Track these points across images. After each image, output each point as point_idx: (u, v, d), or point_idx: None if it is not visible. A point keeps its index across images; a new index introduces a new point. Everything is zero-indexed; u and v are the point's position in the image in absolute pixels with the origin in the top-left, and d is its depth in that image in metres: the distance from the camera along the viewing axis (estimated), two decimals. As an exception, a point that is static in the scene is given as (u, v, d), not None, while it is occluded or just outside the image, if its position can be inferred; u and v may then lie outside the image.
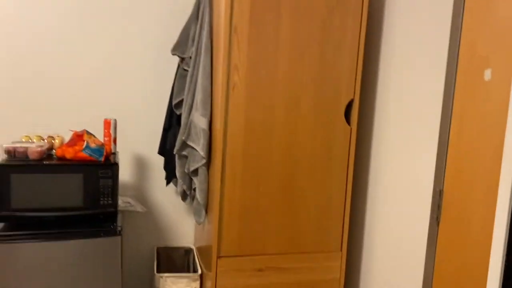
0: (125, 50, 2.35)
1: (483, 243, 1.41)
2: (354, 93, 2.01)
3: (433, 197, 1.66)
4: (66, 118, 2.30)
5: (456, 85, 1.54)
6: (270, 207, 2.00)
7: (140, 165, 2.46)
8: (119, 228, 1.91)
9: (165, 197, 2.53)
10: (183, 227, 2.58)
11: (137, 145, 2.44)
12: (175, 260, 2.54)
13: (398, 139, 1.94)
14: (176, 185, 2.46)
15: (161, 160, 2.45)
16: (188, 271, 2.49)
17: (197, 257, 2.39)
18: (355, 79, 2.01)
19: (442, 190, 1.61)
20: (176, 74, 2.28)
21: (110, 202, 1.97)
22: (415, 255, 1.80)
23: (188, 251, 2.56)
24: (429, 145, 1.70)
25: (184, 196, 2.30)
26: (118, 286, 1.90)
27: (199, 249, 2.40)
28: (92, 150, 1.94)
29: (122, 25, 2.32)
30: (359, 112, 2.15)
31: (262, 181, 1.97)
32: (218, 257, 1.97)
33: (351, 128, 2.04)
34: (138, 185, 2.47)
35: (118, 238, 1.89)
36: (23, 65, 2.22)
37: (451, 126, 1.57)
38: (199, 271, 2.22)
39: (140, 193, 2.48)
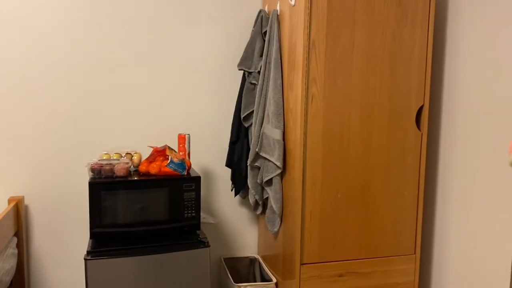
0: (190, 66, 2.42)
1: None
2: (424, 99, 2.09)
3: (520, 196, 1.72)
4: (137, 135, 2.36)
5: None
6: (348, 213, 2.06)
7: (205, 177, 2.52)
8: (206, 240, 1.97)
9: (229, 209, 2.59)
10: (246, 237, 2.63)
11: (202, 159, 2.50)
12: (240, 269, 2.59)
13: (469, 141, 2.01)
14: (242, 196, 2.53)
15: (225, 172, 2.52)
16: (254, 280, 2.54)
17: (265, 266, 2.44)
18: (424, 85, 2.08)
19: (530, 189, 1.67)
20: (241, 88, 2.35)
21: (193, 214, 2.03)
22: (498, 254, 1.86)
23: (252, 260, 2.61)
24: (506, 144, 1.77)
25: (256, 206, 2.36)
26: (208, 296, 1.96)
27: (267, 257, 2.45)
28: (176, 164, 2.01)
29: (189, 41, 2.40)
30: (429, 117, 2.22)
31: (340, 188, 2.04)
32: (301, 264, 2.02)
33: (421, 133, 2.11)
34: (204, 197, 2.53)
35: (207, 249, 1.95)
36: (94, 83, 2.29)
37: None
38: (274, 280, 2.27)
39: (206, 205, 2.54)
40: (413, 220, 2.15)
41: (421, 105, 2.10)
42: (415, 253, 2.18)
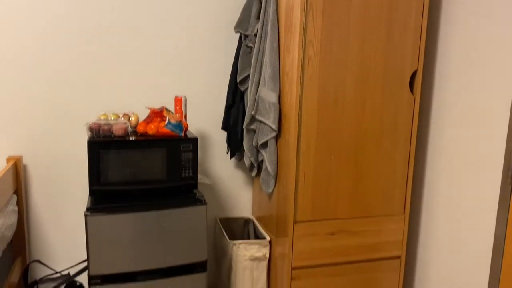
0: (187, 29, 2.41)
1: None
2: (418, 64, 2.12)
3: (506, 156, 1.79)
4: (134, 97, 2.38)
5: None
6: (340, 175, 2.12)
7: (201, 140, 2.56)
8: (203, 198, 2.03)
9: (225, 171, 2.64)
10: (241, 199, 2.70)
11: (198, 121, 2.53)
12: (234, 229, 2.67)
13: (461, 104, 2.06)
14: (237, 159, 2.58)
15: (221, 135, 2.56)
16: (249, 239, 2.62)
17: (259, 226, 2.52)
18: (419, 50, 2.11)
19: (517, 151, 1.74)
20: (237, 52, 2.36)
21: (190, 174, 2.07)
22: (483, 217, 1.95)
23: (247, 221, 2.69)
24: (500, 109, 1.83)
25: (251, 168, 2.41)
26: (204, 252, 2.03)
27: (261, 218, 2.53)
28: (174, 125, 2.04)
29: (186, 4, 2.38)
30: (422, 82, 2.26)
31: (333, 150, 2.09)
32: (295, 222, 2.10)
33: (414, 98, 2.15)
34: (200, 159, 2.57)
35: (204, 207, 2.01)
36: (91, 45, 2.28)
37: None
38: (268, 238, 2.35)
39: (202, 167, 2.59)
40: (403, 182, 2.23)
41: (415, 69, 2.13)
42: (404, 214, 2.26)
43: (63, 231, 2.39)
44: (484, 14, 1.93)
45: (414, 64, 2.12)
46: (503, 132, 1.82)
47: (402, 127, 2.16)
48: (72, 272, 2.35)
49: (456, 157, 2.11)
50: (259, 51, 2.21)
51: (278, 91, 2.14)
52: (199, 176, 2.42)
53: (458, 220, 2.11)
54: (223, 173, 2.65)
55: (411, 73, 2.12)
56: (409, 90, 2.13)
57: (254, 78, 2.23)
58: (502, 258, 1.84)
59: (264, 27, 2.20)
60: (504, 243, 1.82)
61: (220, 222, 2.58)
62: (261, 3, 2.25)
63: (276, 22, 2.15)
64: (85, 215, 1.84)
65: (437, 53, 2.23)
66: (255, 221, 2.62)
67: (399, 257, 2.30)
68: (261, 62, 2.21)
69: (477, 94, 1.97)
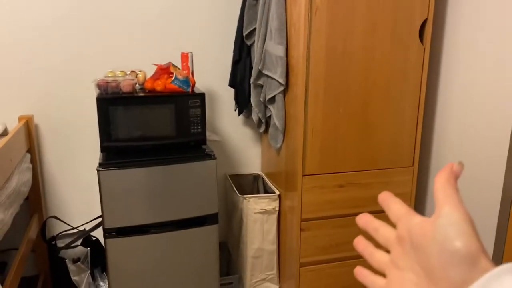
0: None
1: None
2: (428, 12, 2.07)
3: (517, 105, 1.77)
4: (141, 54, 2.37)
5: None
6: (349, 127, 2.12)
7: (209, 97, 2.56)
8: (213, 153, 2.05)
9: (233, 128, 2.65)
10: (250, 155, 2.73)
11: (205, 78, 2.52)
12: (244, 185, 2.71)
13: (472, 55, 2.02)
14: (245, 116, 2.58)
15: (228, 92, 2.56)
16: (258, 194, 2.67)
17: (269, 181, 2.56)
18: (429, -2, 2.05)
19: (528, 98, 1.72)
20: (243, 5, 2.32)
21: (199, 130, 2.09)
22: (492, 168, 1.95)
23: (256, 177, 2.73)
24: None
25: (259, 124, 2.42)
26: (215, 205, 2.07)
27: (270, 174, 2.56)
28: (181, 81, 2.04)
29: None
30: (432, 32, 2.20)
31: (342, 103, 2.08)
32: (303, 175, 2.12)
33: (424, 48, 2.11)
34: (208, 117, 2.58)
35: (213, 161, 2.03)
36: (99, 4, 2.25)
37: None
38: (277, 192, 2.38)
39: (210, 125, 2.60)
40: (413, 134, 2.22)
41: (425, 18, 2.08)
42: (413, 166, 2.27)
43: (78, 188, 2.45)
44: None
45: (424, 13, 2.07)
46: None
47: (411, 77, 2.13)
48: (88, 227, 2.42)
49: (466, 108, 2.09)
50: (265, 3, 2.17)
51: (285, 44, 2.11)
52: (208, 133, 2.43)
53: (467, 172, 2.12)
54: (231, 130, 2.66)
55: (421, 22, 2.07)
56: (418, 39, 2.09)
57: (260, 31, 2.20)
58: (510, 210, 1.85)
59: (270, -22, 2.14)
60: (512, 191, 1.83)
61: (230, 178, 2.62)
62: (266, -47, 2.19)
63: (282, -28, 2.09)
64: (98, 171, 1.88)
65: (448, 1, 2.16)
66: (264, 177, 2.65)
67: (407, 208, 2.32)
68: (267, 15, 2.17)
69: (488, 42, 1.92)
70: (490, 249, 1.99)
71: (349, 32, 1.99)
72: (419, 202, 2.49)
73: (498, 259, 1.93)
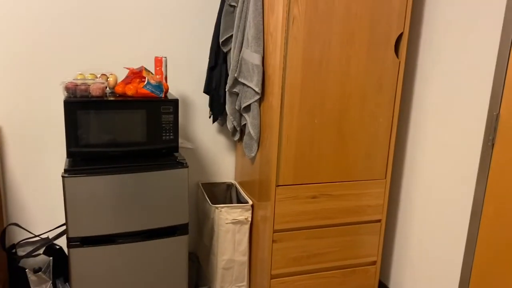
0: (166, -14, 2.32)
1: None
2: (404, 26, 2.09)
3: (488, 120, 1.79)
4: (112, 57, 2.30)
5: (519, 14, 1.64)
6: (323, 138, 2.11)
7: (182, 104, 2.51)
8: (184, 161, 1.99)
9: (207, 136, 2.60)
10: (223, 163, 2.68)
11: (179, 84, 2.47)
12: (217, 194, 2.66)
13: (446, 67, 2.05)
14: (220, 123, 2.54)
15: (203, 99, 2.51)
16: (231, 204, 2.62)
17: (242, 191, 2.51)
18: (405, 12, 2.07)
19: (499, 113, 1.74)
20: (220, 11, 2.28)
21: (172, 137, 2.03)
22: (463, 181, 1.97)
23: (229, 185, 2.68)
24: (484, 72, 1.82)
25: (234, 132, 2.38)
26: (186, 215, 2.01)
27: (243, 183, 2.52)
28: (153, 86, 1.98)
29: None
30: (407, 45, 2.22)
31: (317, 113, 2.06)
32: (277, 186, 2.09)
33: (399, 61, 2.13)
34: (182, 124, 2.52)
35: (185, 170, 1.97)
36: (71, 6, 2.17)
37: (511, 54, 1.67)
38: (250, 202, 2.34)
39: (184, 132, 2.55)
40: (386, 146, 2.23)
41: (400, 32, 2.09)
42: (385, 178, 2.27)
43: (41, 194, 2.34)
44: (472, -25, 1.89)
45: (400, 27, 2.08)
46: (486, 95, 1.81)
47: (386, 90, 2.14)
48: (51, 235, 2.32)
49: (439, 121, 2.11)
50: (242, 10, 2.14)
51: (262, 52, 2.09)
52: (180, 140, 2.38)
53: (438, 184, 2.13)
54: (205, 137, 2.61)
55: (397, 35, 2.09)
56: (394, 53, 2.10)
57: (237, 39, 2.17)
58: (480, 220, 1.87)
59: (247, -15, 2.12)
60: (483, 205, 1.84)
61: (202, 186, 2.56)
62: (245, -41, 2.16)
63: (260, -20, 2.07)
64: (63, 177, 1.80)
65: (423, 16, 2.18)
66: (238, 186, 2.61)
67: (379, 220, 2.32)
68: (245, 22, 2.14)
69: (462, 57, 1.95)
70: (458, 267, 2.00)
71: (326, 43, 1.99)
72: (391, 214, 2.49)
73: (466, 273, 1.95)
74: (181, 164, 1.98)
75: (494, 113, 1.75)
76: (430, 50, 2.15)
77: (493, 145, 1.78)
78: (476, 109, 1.88)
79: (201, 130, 2.59)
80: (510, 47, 1.68)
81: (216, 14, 2.35)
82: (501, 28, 1.73)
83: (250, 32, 2.08)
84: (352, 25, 2.00)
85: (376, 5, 2.01)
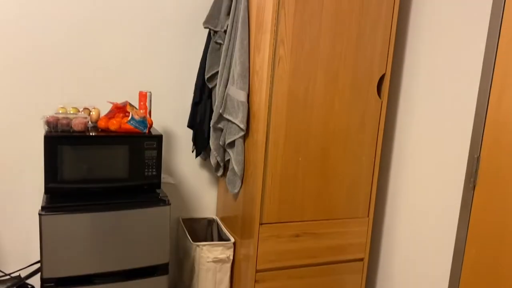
0: (154, 22, 2.33)
1: (522, 202, 1.60)
2: (386, 68, 2.14)
3: (469, 162, 1.83)
4: (96, 91, 2.27)
5: (497, 59, 1.70)
6: (307, 176, 2.10)
7: (166, 138, 2.48)
8: (167, 198, 1.95)
9: (190, 170, 2.57)
10: (205, 199, 2.64)
11: (163, 118, 2.45)
12: (198, 230, 2.60)
13: (427, 109, 2.09)
14: (203, 158, 2.52)
15: (186, 133, 2.49)
16: (212, 240, 2.57)
17: (223, 227, 2.47)
18: (387, 54, 2.13)
19: (479, 156, 1.78)
20: (206, 48, 2.30)
21: (154, 173, 1.99)
22: (445, 222, 1.99)
23: (210, 221, 2.63)
24: (465, 115, 1.87)
25: (217, 168, 2.35)
26: (166, 254, 1.96)
27: (225, 219, 2.48)
28: (137, 122, 1.95)
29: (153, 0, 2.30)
30: (389, 86, 2.27)
31: (301, 151, 2.07)
32: (260, 224, 2.06)
33: (382, 101, 2.17)
34: (165, 158, 2.49)
35: (167, 207, 1.93)
36: (54, 39, 2.15)
37: (490, 97, 1.73)
38: (232, 239, 2.30)
39: (166, 166, 2.51)
40: (368, 184, 2.24)
41: (383, 73, 2.14)
42: (368, 216, 2.27)
43: (15, 231, 2.24)
44: (449, 21, 1.96)
45: (382, 68, 2.14)
46: (467, 137, 1.86)
47: (369, 129, 2.17)
48: (23, 274, 2.21)
49: (421, 162, 2.14)
50: (228, 48, 2.16)
51: (247, 89, 2.10)
52: (163, 175, 2.34)
53: (420, 224, 2.15)
54: (188, 172, 2.58)
55: (379, 76, 2.14)
56: (376, 93, 2.15)
57: (222, 75, 2.18)
58: (463, 261, 1.87)
59: (234, 24, 2.15)
60: (465, 247, 1.86)
61: (183, 222, 2.51)
62: (231, -1, 2.20)
63: (247, 19, 2.11)
64: (40, 214, 1.73)
65: (405, 58, 2.25)
66: (219, 221, 2.56)
67: (362, 259, 2.31)
68: (231, 60, 2.16)
69: (442, 100, 2.00)
70: (443, 304, 2.00)
71: (310, 82, 2.01)
72: (374, 253, 2.48)
73: (450, 315, 1.94)
74: (163, 202, 1.93)
75: (475, 156, 1.79)
76: (411, 91, 2.21)
77: (474, 187, 1.81)
78: (457, 151, 1.92)
79: (183, 164, 2.55)
80: (489, 92, 1.73)
81: (201, 50, 2.37)
82: (480, 73, 1.79)
83: (236, 69, 2.10)
84: (336, 65, 2.04)
85: (359, 46, 2.06)
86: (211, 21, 2.26)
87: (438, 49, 2.03)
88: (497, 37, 1.70)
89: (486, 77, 1.75)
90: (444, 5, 2.00)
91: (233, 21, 2.15)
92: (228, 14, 2.20)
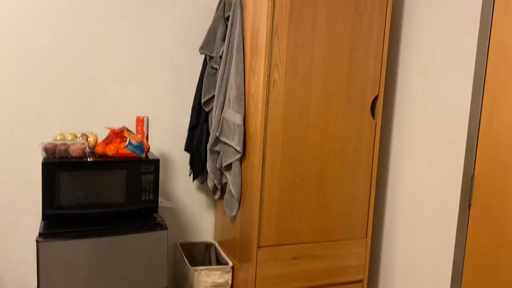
0: (150, 49, 2.37)
1: (518, 220, 1.61)
2: (379, 89, 2.18)
3: (464, 182, 1.84)
4: (93, 117, 2.29)
5: (486, 81, 1.74)
6: (304, 198, 2.11)
7: (163, 161, 2.49)
8: (164, 223, 1.95)
9: (187, 194, 2.57)
10: (203, 222, 2.63)
11: (160, 142, 2.47)
12: (196, 254, 2.59)
13: (420, 129, 2.12)
14: (200, 181, 2.52)
15: (183, 156, 2.51)
16: (210, 265, 2.55)
17: (221, 251, 2.46)
18: (380, 76, 2.17)
19: (473, 175, 1.80)
20: (202, 72, 2.34)
21: (151, 198, 2.00)
22: (442, 242, 1.99)
23: (208, 245, 2.62)
24: (458, 134, 1.89)
25: (214, 191, 2.36)
26: (164, 279, 1.94)
27: (223, 242, 2.47)
28: (134, 146, 1.97)
29: (149, 24, 2.35)
30: (383, 107, 2.31)
31: (298, 173, 2.08)
32: (258, 247, 2.06)
33: (376, 123, 2.20)
34: (162, 181, 2.50)
35: (165, 232, 1.93)
36: (50, 65, 2.19)
37: (482, 117, 1.76)
38: (230, 263, 2.29)
39: (163, 189, 2.51)
40: (366, 205, 2.25)
41: (376, 95, 2.18)
42: (366, 237, 2.27)
43: (11, 258, 2.22)
44: (440, 43, 2.01)
45: (375, 90, 2.17)
46: (460, 157, 1.88)
47: (364, 150, 2.19)
48: (19, 302, 2.19)
49: (416, 181, 2.16)
50: (224, 72, 2.20)
51: (243, 112, 2.13)
52: (160, 199, 2.34)
53: (418, 244, 2.14)
54: (185, 195, 2.58)
55: (373, 98, 2.17)
56: (370, 114, 2.18)
57: (219, 99, 2.21)
58: (461, 281, 1.87)
59: (229, 49, 2.19)
60: (463, 267, 1.85)
61: (181, 247, 2.50)
62: (227, 26, 2.25)
63: (242, 44, 2.15)
64: (37, 241, 1.72)
65: (397, 79, 2.30)
66: (217, 245, 2.55)
67: (361, 281, 2.30)
68: (226, 84, 2.20)
69: (435, 120, 2.04)
70: (444, 325, 1.98)
71: (305, 105, 2.05)
72: (373, 274, 2.47)
73: (452, 336, 1.92)
74: (160, 226, 1.93)
75: (469, 175, 1.81)
76: (404, 111, 2.24)
77: (469, 205, 1.82)
78: (452, 170, 1.94)
79: (180, 188, 2.56)
80: (480, 112, 1.77)
81: (197, 75, 2.41)
82: (471, 93, 1.83)
83: (232, 93, 2.13)
84: (329, 88, 2.08)
85: (352, 70, 2.11)
86: (207, 47, 2.31)
87: (429, 70, 2.08)
88: (485, 59, 1.74)
89: (476, 98, 1.79)
90: (434, 27, 2.05)
91: (228, 47, 2.19)
92: (224, 40, 2.25)
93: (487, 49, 1.74)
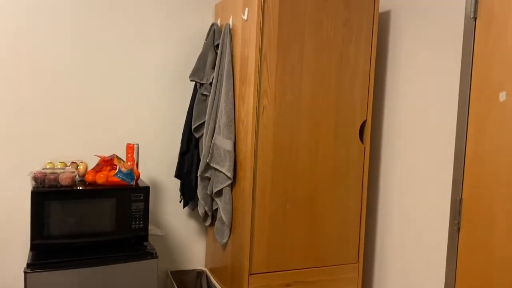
0: (141, 75, 2.39)
1: (506, 246, 1.62)
2: (367, 114, 2.21)
3: (452, 205, 1.86)
4: (83, 145, 2.29)
5: (470, 106, 1.78)
6: (295, 223, 2.11)
7: (153, 188, 2.48)
8: (154, 251, 1.93)
9: (178, 221, 2.56)
10: (194, 250, 2.61)
11: (150, 169, 2.46)
12: (187, 283, 2.55)
13: (409, 153, 2.15)
14: (191, 208, 2.51)
15: (174, 183, 2.50)
16: (202, 293, 2.52)
17: (213, 278, 2.43)
18: (367, 101, 2.21)
19: (461, 198, 1.82)
20: (192, 99, 2.36)
21: (141, 225, 1.99)
22: (433, 265, 1.99)
23: (200, 273, 2.59)
24: (445, 159, 1.92)
25: (205, 218, 2.35)
26: (155, 309, 1.91)
27: (215, 270, 2.44)
28: (124, 174, 1.97)
29: (140, 52, 2.38)
30: (371, 132, 2.34)
31: (288, 198, 2.09)
32: (250, 274, 2.04)
33: (364, 147, 2.23)
34: (152, 209, 2.48)
35: (155, 261, 1.91)
36: (39, 94, 2.19)
37: (467, 142, 1.79)
38: (222, 291, 2.26)
39: (154, 217, 2.49)
40: (357, 230, 2.25)
41: (364, 119, 2.22)
42: (358, 262, 2.27)
43: (-3, 290, 2.18)
44: (424, 67, 2.06)
45: (363, 115, 2.21)
46: (448, 182, 1.90)
47: (353, 174, 2.21)
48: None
49: (407, 205, 2.17)
50: (214, 99, 2.22)
51: (234, 138, 2.14)
52: (150, 227, 2.32)
53: (410, 268, 2.14)
54: (176, 223, 2.56)
55: (361, 123, 2.21)
56: (359, 139, 2.21)
57: (209, 125, 2.23)
58: (454, 304, 1.86)
59: (219, 76, 2.22)
60: (455, 290, 1.85)
61: (172, 275, 2.46)
62: (216, 53, 2.29)
63: (231, 72, 2.19)
64: (25, 272, 1.69)
65: (384, 104, 2.34)
66: (209, 273, 2.52)
67: (355, 306, 2.28)
68: (216, 110, 2.22)
69: (423, 143, 2.07)
70: None
71: (294, 130, 2.07)
72: (366, 299, 2.45)
73: None
74: (151, 255, 1.91)
75: (457, 198, 1.83)
76: (392, 135, 2.27)
77: (459, 229, 1.83)
78: (440, 194, 1.96)
79: (171, 215, 2.54)
80: (466, 137, 1.80)
81: (187, 102, 2.43)
82: (456, 116, 1.87)
83: (222, 119, 2.15)
84: (318, 114, 2.11)
85: (339, 95, 2.14)
86: (197, 74, 2.34)
87: (416, 94, 2.12)
88: (469, 84, 1.79)
89: (462, 123, 1.83)
90: (418, 52, 2.11)
91: (218, 74, 2.22)
92: (213, 67, 2.28)
93: (470, 75, 1.79)
